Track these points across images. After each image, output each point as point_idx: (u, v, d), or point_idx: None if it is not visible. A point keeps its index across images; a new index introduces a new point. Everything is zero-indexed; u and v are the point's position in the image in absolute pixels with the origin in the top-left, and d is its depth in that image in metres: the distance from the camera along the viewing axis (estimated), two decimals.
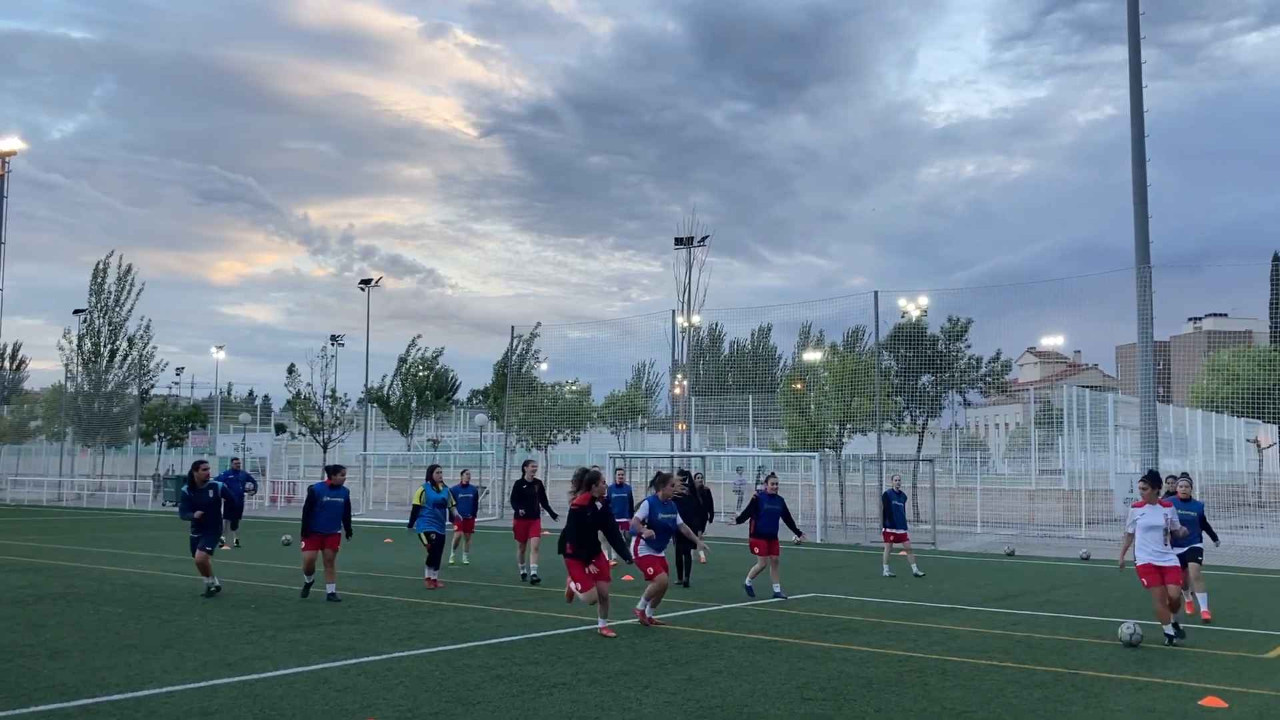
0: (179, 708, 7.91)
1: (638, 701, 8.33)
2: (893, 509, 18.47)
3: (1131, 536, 11.84)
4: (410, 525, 16.52)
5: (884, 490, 19.09)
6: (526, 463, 18.32)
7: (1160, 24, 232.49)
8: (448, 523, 16.83)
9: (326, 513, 14.64)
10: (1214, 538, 14.44)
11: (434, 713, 7.87)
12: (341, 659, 10.00)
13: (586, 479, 11.85)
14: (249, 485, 25.36)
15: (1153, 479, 12.07)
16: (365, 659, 10.02)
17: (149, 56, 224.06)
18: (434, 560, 16.23)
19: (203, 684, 8.76)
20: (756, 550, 15.48)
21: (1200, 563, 13.79)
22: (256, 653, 10.26)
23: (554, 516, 18.04)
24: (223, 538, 23.45)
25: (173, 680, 8.88)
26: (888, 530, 18.57)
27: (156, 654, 10.14)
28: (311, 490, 14.79)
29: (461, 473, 20.36)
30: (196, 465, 15.22)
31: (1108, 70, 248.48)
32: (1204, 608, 13.48)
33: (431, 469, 16.97)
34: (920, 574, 18.15)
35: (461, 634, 11.61)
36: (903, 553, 18.78)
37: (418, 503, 16.47)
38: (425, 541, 16.21)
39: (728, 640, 11.34)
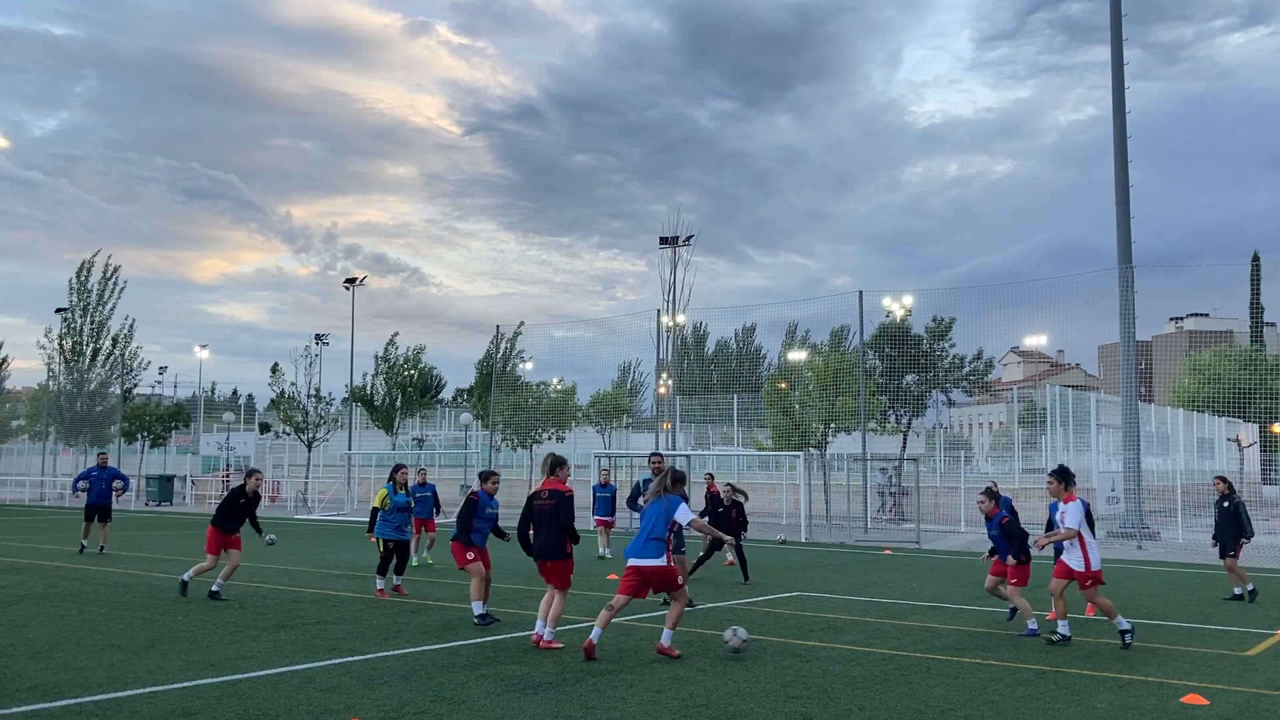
0: (162, 708, 7.89)
1: (623, 700, 8.34)
2: None
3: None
4: (370, 529, 15.22)
5: None
6: (251, 473, 15.30)
7: (1143, 24, 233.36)
8: (408, 526, 15.55)
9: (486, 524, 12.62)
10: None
11: (419, 712, 7.87)
12: (326, 659, 9.98)
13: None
14: (117, 483, 22.44)
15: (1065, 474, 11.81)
16: (350, 659, 10.00)
17: (131, 53, 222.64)
18: (386, 568, 14.97)
19: (186, 684, 8.73)
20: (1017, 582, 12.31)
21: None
22: (240, 653, 10.24)
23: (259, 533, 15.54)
24: (83, 540, 21.61)
25: (156, 680, 8.85)
26: None
27: (140, 654, 10.10)
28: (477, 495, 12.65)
29: (418, 471, 19.93)
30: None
31: (1090, 70, 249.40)
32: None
33: (395, 469, 15.72)
34: (1251, 587, 16.50)
35: (446, 633, 11.60)
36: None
37: (378, 505, 15.18)
38: (381, 548, 15.03)
39: (713, 639, 11.36)
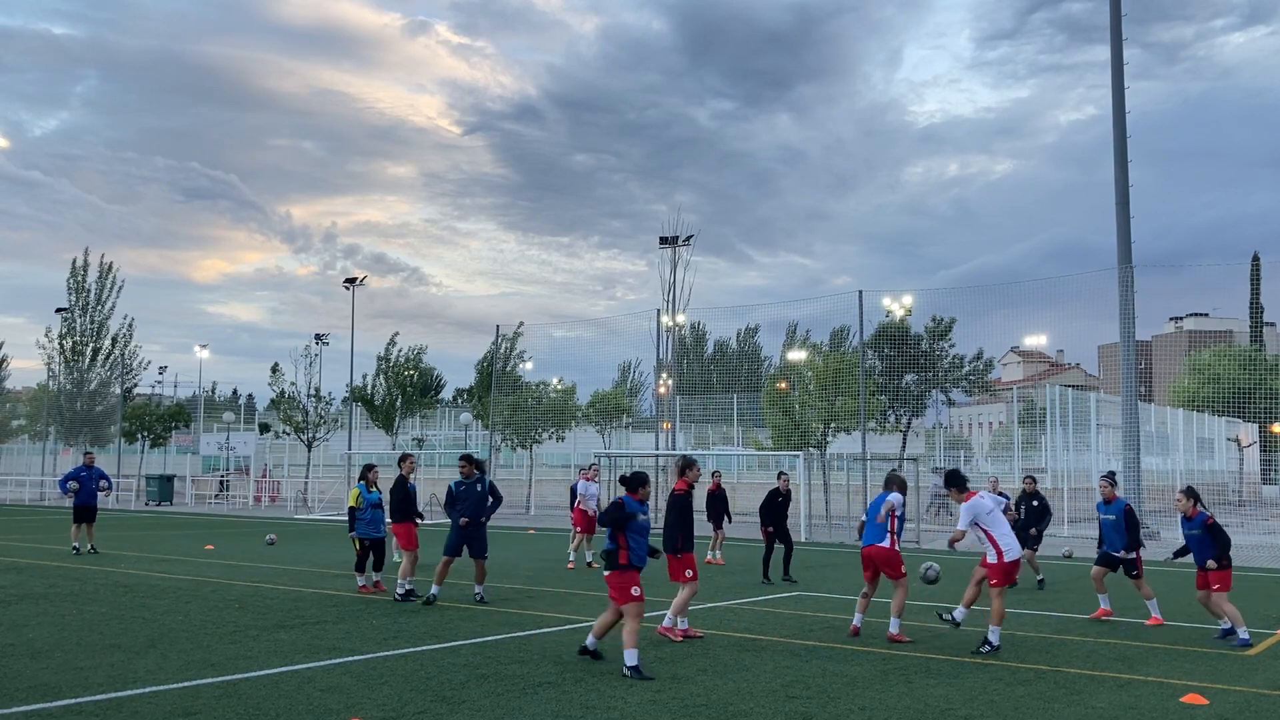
0: (162, 708, 7.89)
1: (623, 700, 8.35)
2: None
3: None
4: (350, 529, 15.34)
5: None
6: (404, 458, 15.77)
7: (1143, 24, 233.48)
8: (384, 524, 15.70)
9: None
10: (1135, 544, 13.27)
11: (419, 712, 7.87)
12: (326, 659, 9.98)
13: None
14: (103, 483, 22.49)
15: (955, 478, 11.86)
16: (350, 659, 10.00)
17: (131, 53, 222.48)
18: (363, 565, 15.38)
19: (186, 684, 8.74)
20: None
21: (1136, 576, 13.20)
22: (240, 652, 10.24)
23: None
24: (75, 543, 21.41)
25: (156, 680, 8.86)
26: None
27: (140, 654, 10.10)
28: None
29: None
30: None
31: (1090, 70, 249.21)
32: (1154, 614, 12.93)
33: (366, 469, 15.93)
34: (1041, 578, 17.46)
35: (446, 633, 11.60)
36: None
37: (354, 505, 15.31)
38: (357, 546, 15.32)
39: (712, 639, 11.37)
